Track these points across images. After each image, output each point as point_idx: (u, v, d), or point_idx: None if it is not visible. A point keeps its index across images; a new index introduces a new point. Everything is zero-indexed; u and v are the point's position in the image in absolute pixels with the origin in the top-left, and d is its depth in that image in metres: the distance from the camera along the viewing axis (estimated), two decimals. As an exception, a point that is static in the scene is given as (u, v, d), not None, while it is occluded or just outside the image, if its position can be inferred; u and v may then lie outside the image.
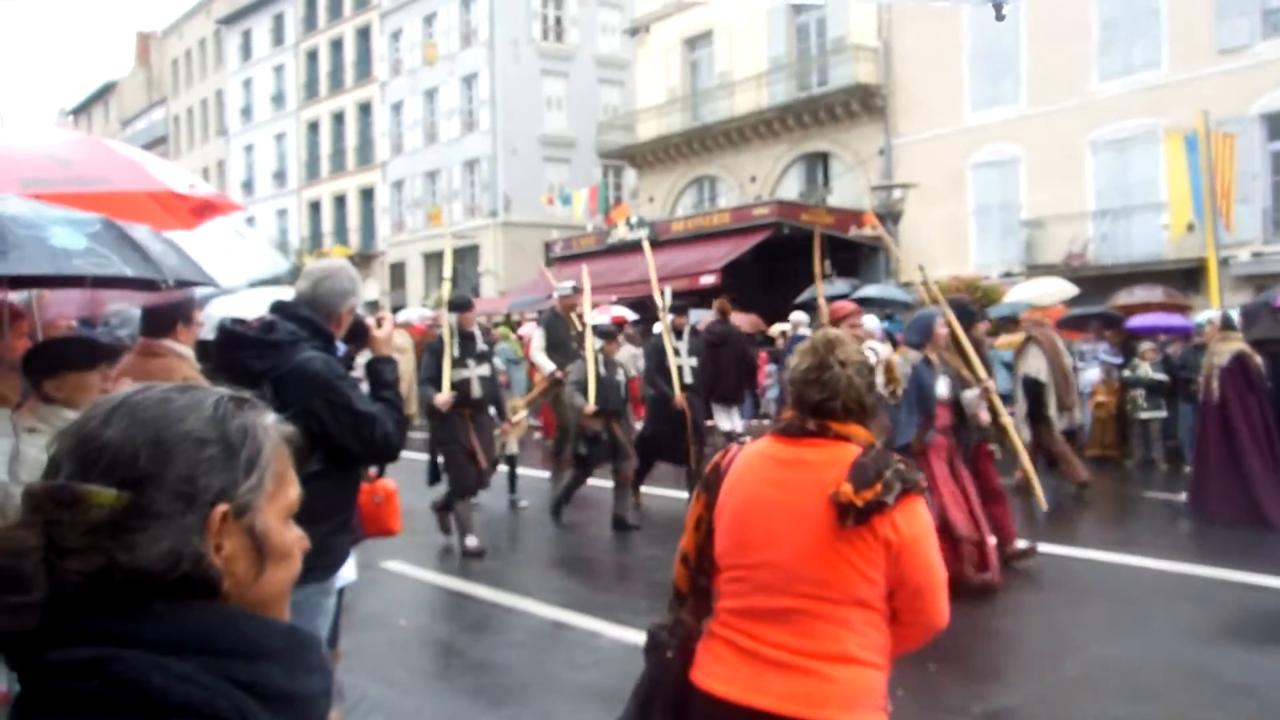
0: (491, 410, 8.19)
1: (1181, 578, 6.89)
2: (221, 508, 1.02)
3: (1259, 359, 8.89)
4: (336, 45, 42.98)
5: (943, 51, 22.77)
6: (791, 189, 26.65)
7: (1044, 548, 7.29)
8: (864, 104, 24.42)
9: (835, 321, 5.64)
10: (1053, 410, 10.07)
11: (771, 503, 2.32)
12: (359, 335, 3.60)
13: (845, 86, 24.50)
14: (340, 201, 43.31)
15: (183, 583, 0.98)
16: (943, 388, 6.58)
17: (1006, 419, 6.57)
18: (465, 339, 7.89)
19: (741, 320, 18.68)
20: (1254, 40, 18.47)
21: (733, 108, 27.45)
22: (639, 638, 5.67)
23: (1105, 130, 20.28)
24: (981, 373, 6.96)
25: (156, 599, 0.97)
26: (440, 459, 7.98)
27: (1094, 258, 20.05)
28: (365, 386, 3.38)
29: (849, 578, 2.22)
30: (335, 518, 3.31)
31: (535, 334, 10.19)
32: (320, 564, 3.25)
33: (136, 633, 0.96)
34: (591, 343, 9.05)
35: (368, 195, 41.93)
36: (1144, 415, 12.97)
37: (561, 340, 10.11)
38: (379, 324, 3.56)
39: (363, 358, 3.89)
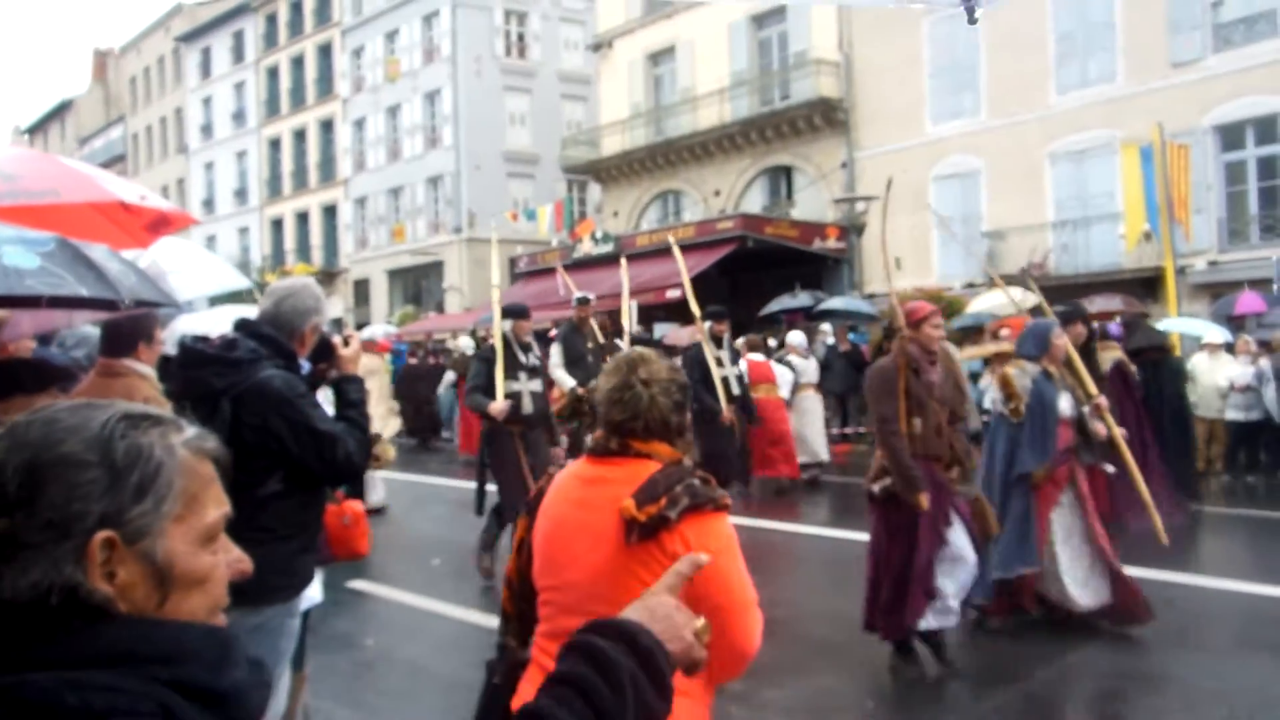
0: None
1: (1144, 583, 6.95)
2: (103, 534, 0.97)
3: (1134, 367, 9.45)
4: (298, 62, 42.74)
5: (903, 65, 23.01)
6: (755, 202, 26.79)
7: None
8: (826, 118, 24.62)
9: (915, 323, 5.12)
10: None
11: (573, 523, 2.28)
12: (325, 354, 3.55)
13: (807, 100, 24.69)
14: (303, 219, 43.01)
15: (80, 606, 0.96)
16: (1065, 404, 5.89)
17: (1120, 438, 6.00)
18: (518, 350, 7.28)
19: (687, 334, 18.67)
20: (1205, 54, 18.82)
21: (696, 122, 27.57)
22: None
23: (1063, 142, 20.56)
24: (1091, 386, 6.14)
25: (74, 618, 0.95)
26: (491, 484, 7.36)
27: (1054, 268, 20.29)
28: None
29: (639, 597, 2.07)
30: (298, 538, 3.26)
31: (553, 349, 9.65)
32: (284, 584, 3.19)
33: (46, 655, 0.94)
34: (707, 342, 8.67)
35: (330, 212, 41.67)
36: (1106, 423, 13.10)
37: (580, 354, 9.56)
38: (346, 342, 3.52)
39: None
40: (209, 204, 47.63)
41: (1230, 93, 18.41)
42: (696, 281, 22.96)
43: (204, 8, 49.19)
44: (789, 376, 12.51)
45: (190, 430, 1.10)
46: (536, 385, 7.27)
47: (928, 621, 5.11)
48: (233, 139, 46.28)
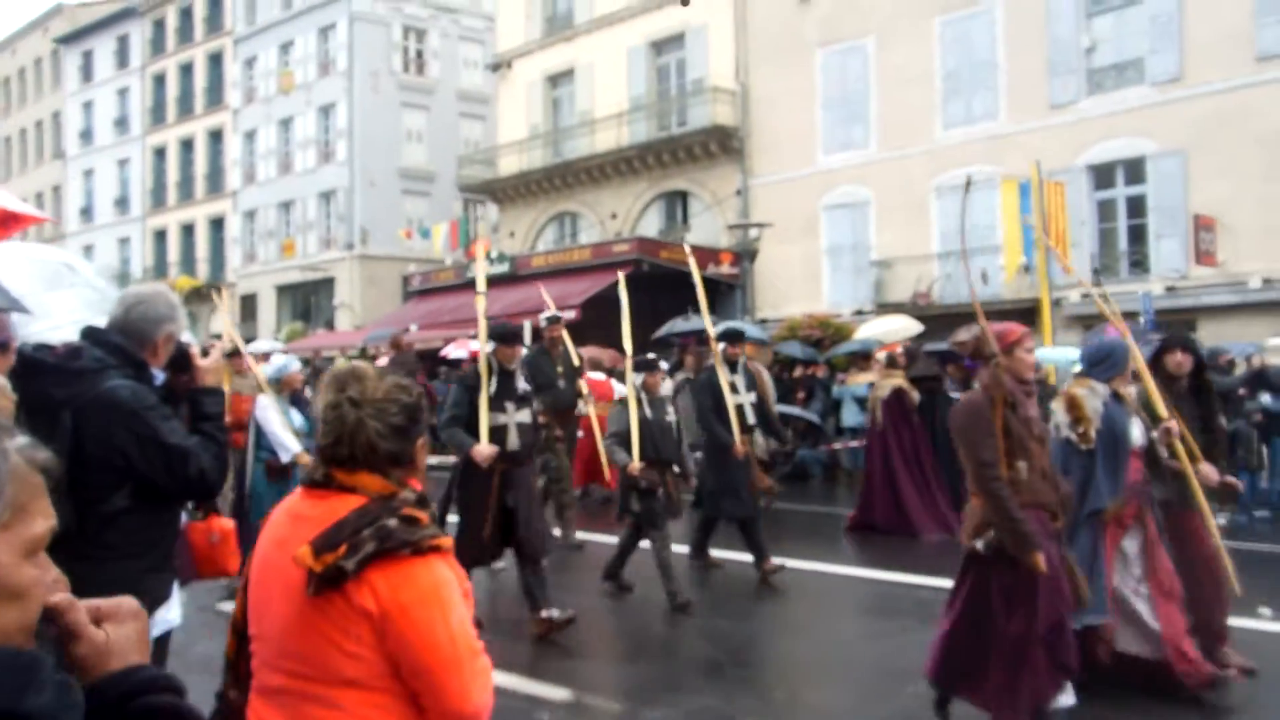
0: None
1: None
2: None
3: (915, 393, 10.58)
4: (186, 70, 41.54)
5: (797, 96, 23.52)
6: (651, 226, 26.98)
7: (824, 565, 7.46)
8: (722, 145, 24.98)
9: (1008, 348, 4.37)
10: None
11: (271, 565, 2.02)
12: (183, 364, 3.40)
13: (704, 127, 25.03)
14: (188, 230, 41.69)
15: None
16: (1136, 432, 5.21)
17: (1188, 468, 5.37)
18: (504, 377, 6.51)
19: (600, 354, 18.69)
20: (1080, 97, 19.72)
21: (594, 145, 27.68)
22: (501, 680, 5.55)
23: (948, 176, 21.25)
24: (1162, 409, 5.45)
25: None
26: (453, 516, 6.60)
27: (939, 297, 20.92)
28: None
29: (328, 654, 1.89)
30: (147, 556, 3.10)
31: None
32: None
33: None
34: (631, 380, 7.63)
35: (217, 225, 40.49)
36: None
37: (549, 380, 9.08)
38: (205, 352, 3.39)
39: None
40: (87, 212, 45.81)
41: (1103, 134, 19.32)
42: (590, 304, 23.14)
43: (86, 9, 47.46)
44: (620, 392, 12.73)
45: (21, 438, 1.05)
46: (525, 416, 6.55)
47: (1065, 700, 4.26)
48: (115, 146, 44.64)
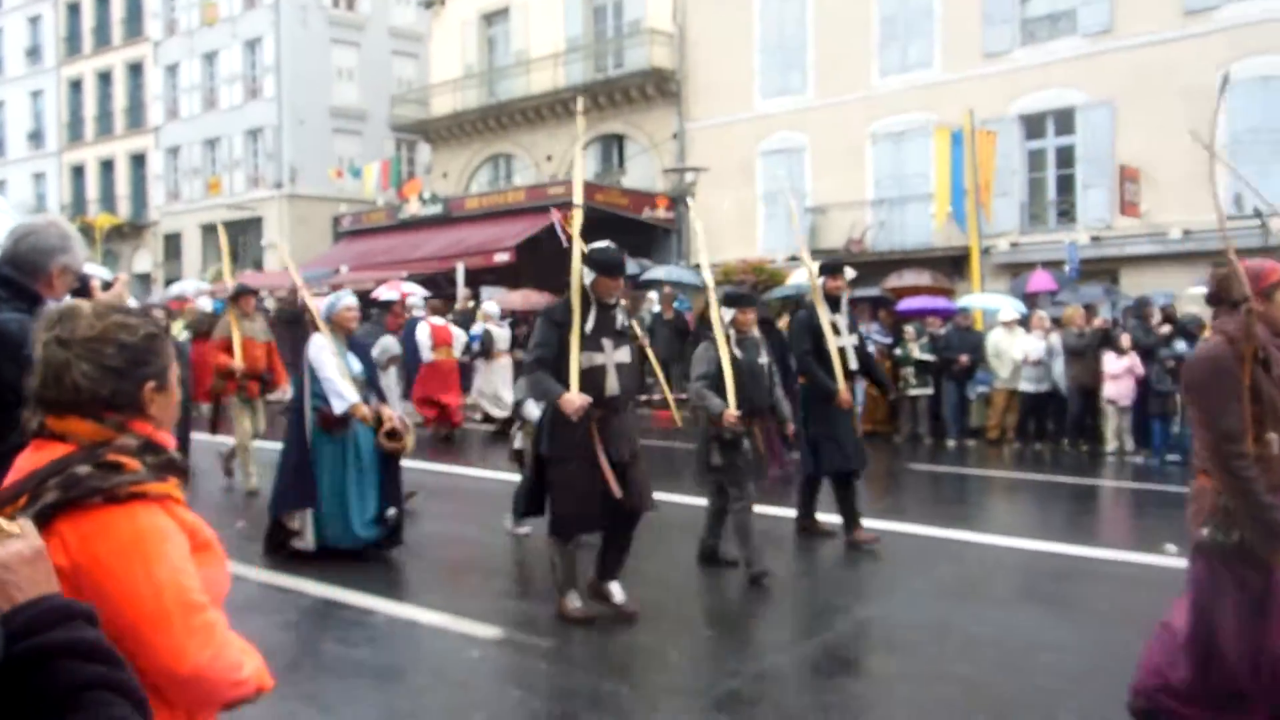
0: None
1: (940, 541, 7.36)
2: None
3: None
4: (103, -2, 39.91)
5: (735, 40, 23.37)
6: (587, 169, 26.75)
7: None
8: (659, 88, 24.77)
9: (1265, 290, 3.38)
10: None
11: None
12: (83, 297, 3.31)
13: (640, 70, 24.77)
14: (107, 166, 40.29)
15: None
16: None
17: None
18: (602, 311, 5.44)
19: (537, 299, 18.63)
20: (1014, 46, 19.87)
21: (529, 86, 27.25)
22: (414, 614, 5.56)
23: (884, 123, 21.35)
24: None
25: None
26: (541, 477, 5.56)
27: (871, 244, 21.11)
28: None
29: None
30: None
31: (539, 325, 8.73)
32: None
33: None
34: (718, 317, 6.51)
35: (139, 161, 39.18)
36: (912, 392, 13.79)
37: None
38: (106, 286, 3.30)
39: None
40: (-2, 146, 44.05)
41: (1035, 84, 19.53)
42: (525, 247, 22.90)
43: (-4, -68, 45.18)
44: (464, 338, 13.72)
45: None
46: (625, 355, 5.49)
47: None
48: (27, 77, 42.81)
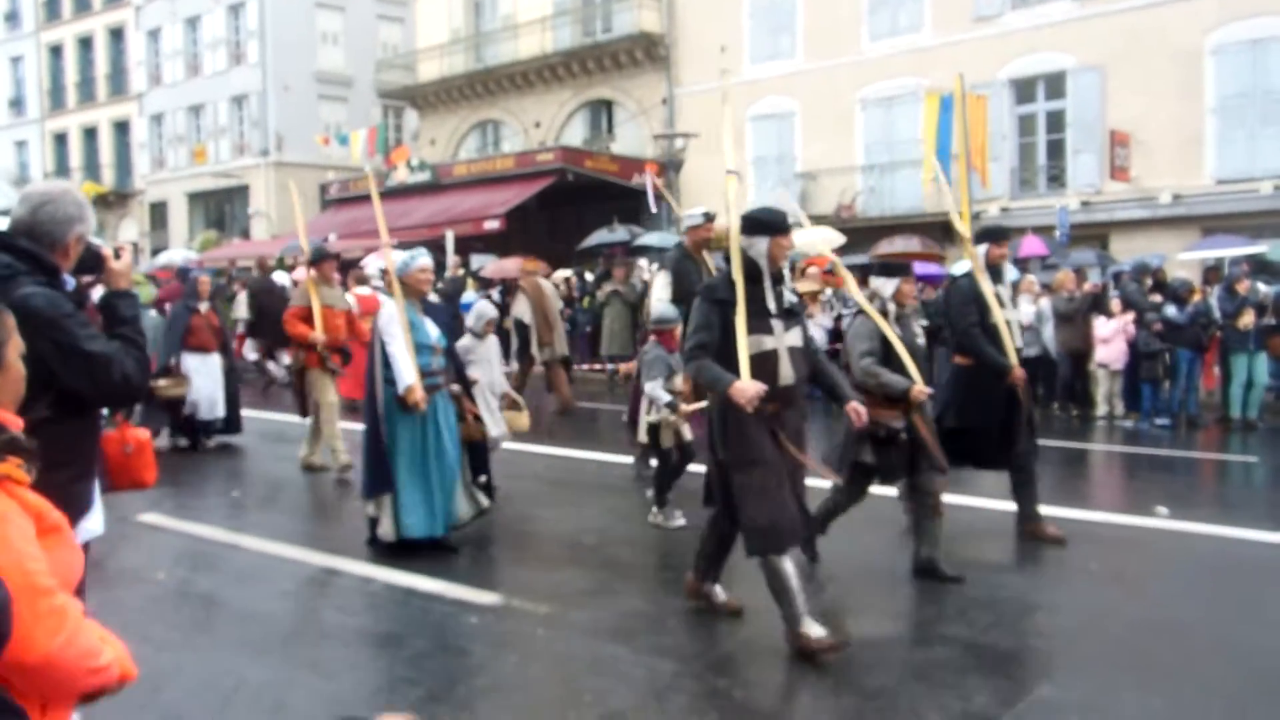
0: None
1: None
2: None
3: None
4: (83, -38, 39.30)
5: (724, 3, 23.19)
6: (576, 135, 26.59)
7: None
8: (647, 53, 24.59)
9: None
10: (534, 348, 12.49)
11: None
12: (93, 266, 3.28)
13: (629, 34, 24.59)
14: (91, 134, 39.86)
15: None
16: None
17: None
18: (770, 286, 4.60)
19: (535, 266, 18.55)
20: (1004, 10, 19.78)
21: (517, 51, 27.02)
22: (412, 581, 5.59)
23: (874, 88, 21.27)
24: None
25: None
26: (731, 483, 4.61)
27: (861, 209, 21.08)
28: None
29: None
30: (73, 465, 3.03)
31: (657, 280, 7.68)
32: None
33: None
34: (876, 286, 5.76)
35: (122, 128, 38.77)
36: (903, 358, 13.82)
37: (693, 287, 7.11)
38: (117, 254, 3.27)
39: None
40: (-20, 113, 43.52)
41: (1025, 48, 19.46)
42: (514, 214, 22.80)
43: (-29, -106, 44.38)
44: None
45: None
46: (796, 337, 4.67)
47: None
48: (5, 42, 42.23)
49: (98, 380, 2.94)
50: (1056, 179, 19.70)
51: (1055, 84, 19.53)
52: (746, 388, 4.35)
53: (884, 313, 5.67)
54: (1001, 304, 6.36)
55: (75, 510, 3.11)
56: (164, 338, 10.22)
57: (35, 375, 2.85)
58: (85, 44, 39.54)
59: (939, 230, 19.47)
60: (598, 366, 16.10)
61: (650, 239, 19.52)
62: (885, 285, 5.73)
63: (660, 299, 7.45)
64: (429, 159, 27.45)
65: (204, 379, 9.90)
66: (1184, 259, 16.27)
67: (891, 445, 5.57)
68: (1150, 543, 6.42)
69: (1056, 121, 19.69)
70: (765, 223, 4.57)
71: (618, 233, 20.32)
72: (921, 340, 5.87)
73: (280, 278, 17.92)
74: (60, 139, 40.93)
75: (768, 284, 4.57)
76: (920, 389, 5.45)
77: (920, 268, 16.60)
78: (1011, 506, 6.69)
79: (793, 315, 4.68)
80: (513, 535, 6.95)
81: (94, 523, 3.46)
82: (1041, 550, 6.26)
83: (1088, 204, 18.75)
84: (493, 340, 7.60)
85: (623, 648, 4.61)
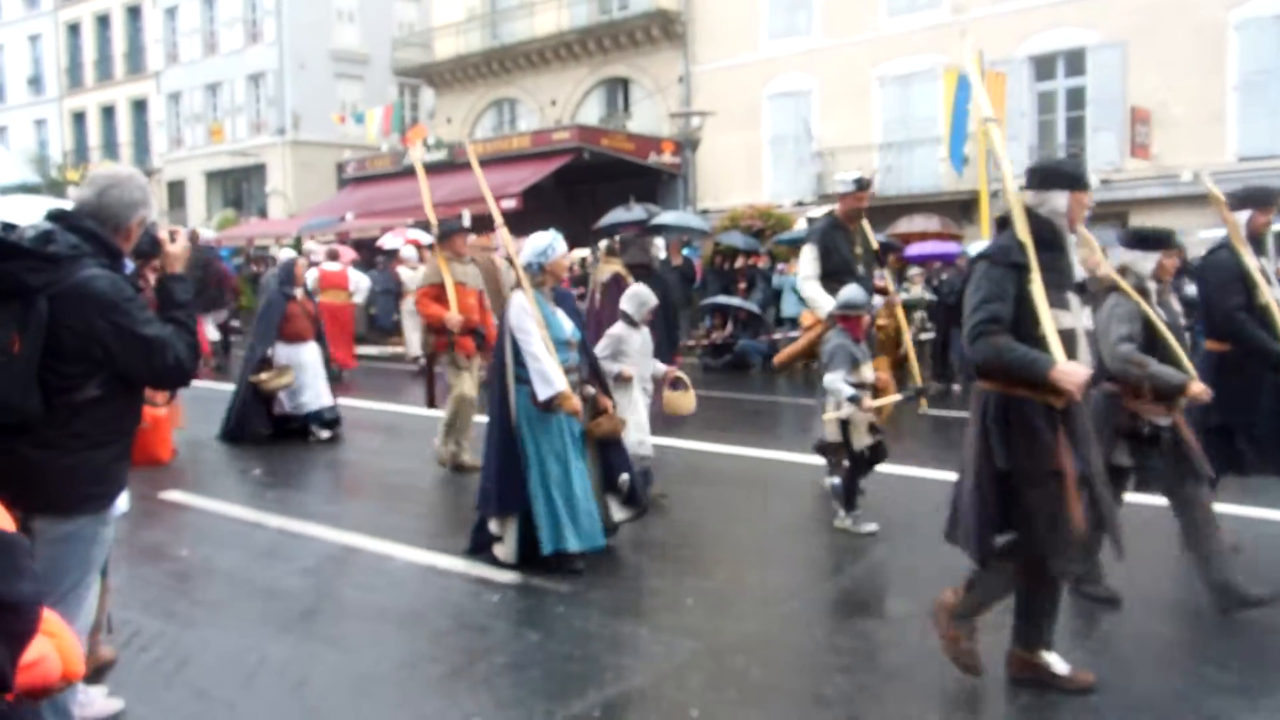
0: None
1: (948, 485, 7.39)
2: None
3: (631, 278, 9.90)
4: (99, -60, 39.30)
5: (740, -20, 23.04)
6: (592, 114, 26.51)
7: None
8: (664, 30, 24.46)
9: None
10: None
11: None
12: (151, 250, 3.34)
13: (645, 11, 24.46)
14: (109, 113, 39.99)
15: None
16: None
17: None
18: (1057, 253, 3.79)
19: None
20: (1024, -16, 19.58)
21: (533, 28, 26.93)
22: (432, 559, 5.64)
23: (891, 65, 21.10)
24: None
25: None
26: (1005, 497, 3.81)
27: (879, 188, 20.95)
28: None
29: None
30: (114, 445, 3.10)
31: (804, 253, 6.99)
32: (98, 493, 3.04)
33: None
34: (1128, 263, 4.84)
35: (140, 107, 38.87)
36: (921, 338, 13.81)
37: (845, 262, 6.73)
38: (172, 238, 3.32)
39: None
40: (-2, 92, 43.71)
41: (1045, 24, 19.26)
42: (530, 193, 22.77)
43: (-12, -128, 44.39)
44: (365, 284, 15.53)
45: None
46: (1089, 317, 3.98)
47: None
48: (24, 20, 42.33)
49: (152, 363, 3.00)
50: (1076, 157, 19.54)
51: (1075, 60, 19.33)
52: (1074, 370, 3.55)
53: (1142, 291, 4.74)
54: (1269, 281, 5.37)
55: (115, 488, 3.18)
56: (258, 327, 9.72)
57: (89, 355, 2.91)
58: (103, 22, 39.61)
59: (956, 209, 19.37)
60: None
61: (668, 218, 19.49)
62: (1143, 260, 4.83)
63: (807, 277, 6.72)
64: (445, 137, 27.41)
65: (305, 370, 9.36)
66: (1205, 237, 16.13)
67: (1155, 446, 4.76)
68: (1158, 517, 6.36)
69: (1077, 98, 19.50)
70: (1066, 174, 3.86)
71: (634, 211, 20.28)
72: (1183, 321, 4.99)
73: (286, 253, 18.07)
74: (79, 118, 41.07)
75: (1071, 247, 3.84)
76: (1201, 386, 4.63)
77: (938, 247, 16.56)
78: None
79: (1084, 290, 3.96)
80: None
81: (121, 501, 3.53)
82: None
83: (1108, 182, 18.58)
84: (646, 331, 6.73)
85: (642, 626, 4.66)
